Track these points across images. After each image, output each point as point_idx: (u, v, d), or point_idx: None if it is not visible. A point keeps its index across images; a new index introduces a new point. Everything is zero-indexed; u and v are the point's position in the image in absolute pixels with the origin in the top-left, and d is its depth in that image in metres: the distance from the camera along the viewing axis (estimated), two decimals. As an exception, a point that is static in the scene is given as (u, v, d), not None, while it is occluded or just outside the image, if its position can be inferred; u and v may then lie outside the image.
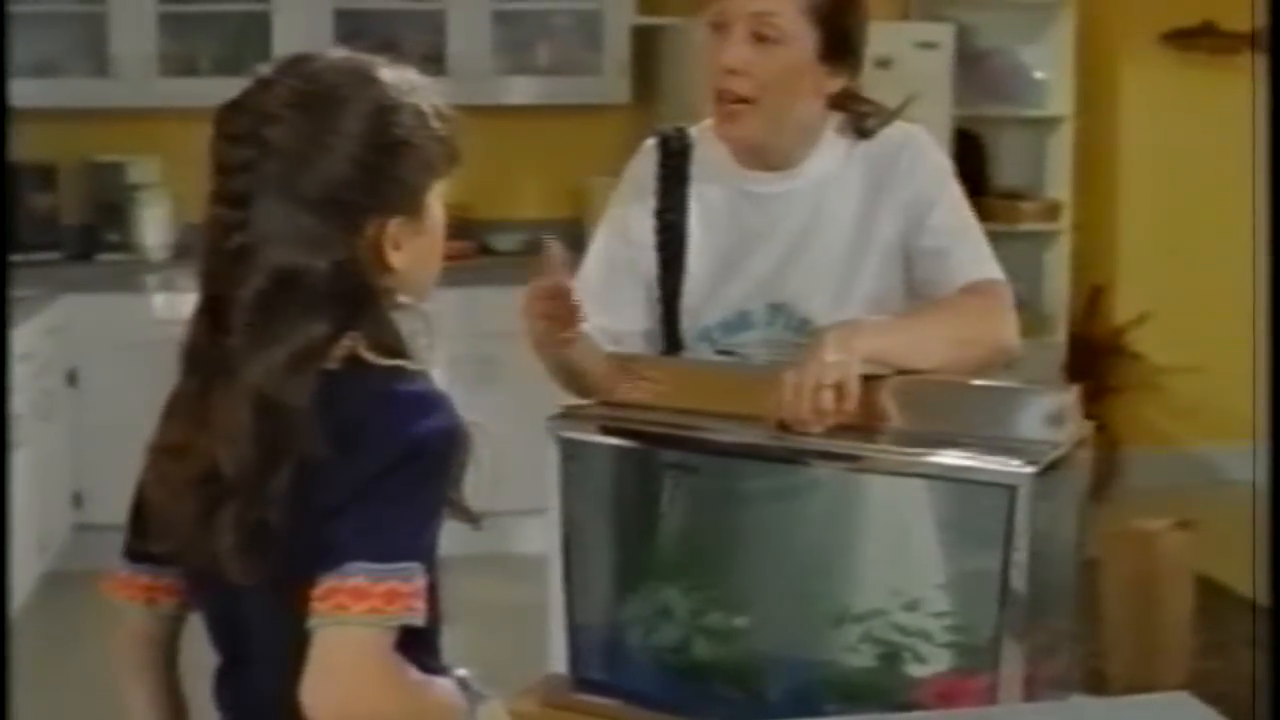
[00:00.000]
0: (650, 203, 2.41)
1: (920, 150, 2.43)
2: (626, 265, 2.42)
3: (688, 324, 2.38)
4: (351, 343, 1.65)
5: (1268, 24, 4.46)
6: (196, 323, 1.69)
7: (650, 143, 2.47)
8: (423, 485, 1.63)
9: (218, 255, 1.65)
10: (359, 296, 1.67)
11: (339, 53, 1.72)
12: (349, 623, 1.57)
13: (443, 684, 1.73)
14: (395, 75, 1.71)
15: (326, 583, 1.58)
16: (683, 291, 2.38)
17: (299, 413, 1.60)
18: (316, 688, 1.58)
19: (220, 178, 1.66)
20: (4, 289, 3.91)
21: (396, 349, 1.68)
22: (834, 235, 2.35)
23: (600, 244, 2.48)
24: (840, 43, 2.30)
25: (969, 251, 2.37)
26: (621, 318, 2.41)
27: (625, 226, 2.44)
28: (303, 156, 1.64)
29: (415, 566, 1.60)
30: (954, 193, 2.43)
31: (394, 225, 1.69)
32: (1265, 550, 3.05)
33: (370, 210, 1.67)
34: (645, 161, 2.45)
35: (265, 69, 1.69)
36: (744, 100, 2.28)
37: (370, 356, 1.65)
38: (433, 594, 1.69)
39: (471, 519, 1.73)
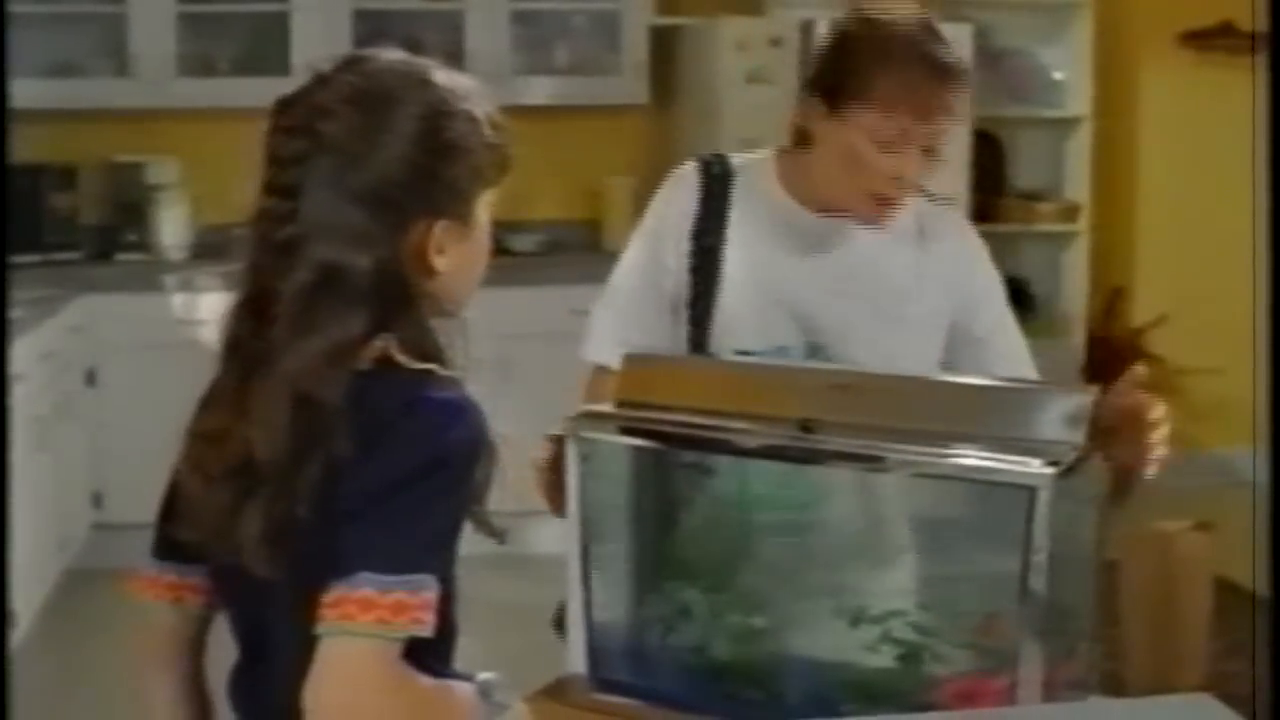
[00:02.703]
0: (686, 225, 2.43)
1: (967, 233, 2.51)
2: (654, 286, 2.44)
3: (721, 349, 2.38)
4: (384, 344, 1.66)
5: (1269, 27, 4.44)
6: (239, 314, 1.70)
7: (689, 167, 2.49)
8: (441, 497, 1.62)
9: (266, 246, 1.66)
10: (398, 296, 1.67)
11: (396, 54, 1.74)
12: (354, 632, 1.57)
13: (457, 690, 1.72)
14: (451, 80, 1.73)
15: (336, 590, 1.58)
16: (714, 316, 2.40)
17: (332, 408, 1.61)
18: (317, 694, 1.58)
19: (273, 169, 1.67)
20: (4, 291, 3.91)
21: (430, 353, 1.68)
22: (879, 287, 2.39)
23: (630, 262, 2.50)
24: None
25: (1018, 348, 2.50)
26: (645, 335, 2.41)
27: (657, 247, 2.46)
28: (355, 153, 1.65)
29: (425, 579, 1.60)
30: (998, 280, 2.52)
31: (439, 228, 1.69)
32: (1265, 548, 3.04)
33: (417, 211, 1.68)
34: (683, 184, 2.47)
35: (324, 65, 1.71)
36: (901, 197, 2.35)
37: (402, 359, 1.66)
38: (448, 603, 1.69)
39: (495, 534, 1.73)
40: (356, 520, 1.60)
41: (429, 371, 1.66)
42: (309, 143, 1.65)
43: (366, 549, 1.59)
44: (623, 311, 2.46)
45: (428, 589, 1.60)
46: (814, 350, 2.36)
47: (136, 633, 1.88)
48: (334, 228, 1.64)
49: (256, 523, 1.62)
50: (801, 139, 2.41)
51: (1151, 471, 2.10)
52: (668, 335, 2.42)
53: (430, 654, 1.68)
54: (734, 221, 2.42)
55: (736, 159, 2.49)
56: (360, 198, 1.64)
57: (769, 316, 2.38)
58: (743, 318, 2.39)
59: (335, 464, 1.60)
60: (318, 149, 1.65)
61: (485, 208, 1.77)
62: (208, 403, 1.74)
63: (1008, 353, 2.46)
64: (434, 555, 1.63)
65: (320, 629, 1.58)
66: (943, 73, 2.27)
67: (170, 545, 1.80)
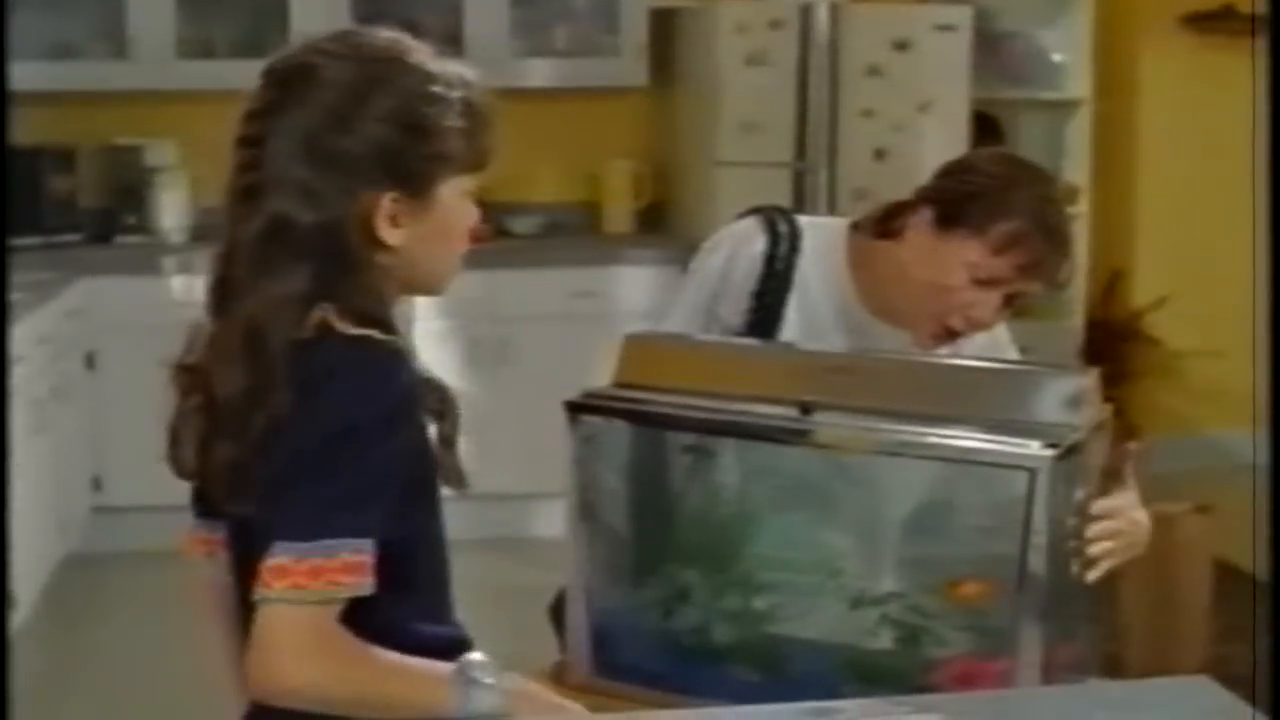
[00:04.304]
0: (749, 285, 2.46)
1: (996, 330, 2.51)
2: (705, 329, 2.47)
3: None
4: (322, 314, 1.69)
5: (1269, 9, 4.45)
6: (216, 258, 1.75)
7: (753, 225, 2.51)
8: (357, 459, 1.65)
9: (232, 193, 1.73)
10: (343, 260, 1.70)
11: (390, 33, 1.78)
12: (269, 600, 1.63)
13: (420, 665, 1.73)
14: (434, 64, 1.76)
15: (262, 561, 1.64)
16: None
17: (275, 361, 1.66)
18: (250, 662, 1.65)
19: (243, 120, 1.73)
20: (4, 277, 3.90)
21: (370, 320, 1.70)
22: None
23: (686, 305, 2.51)
24: None
25: None
26: None
27: (714, 303, 2.48)
28: (318, 115, 1.69)
29: (345, 542, 1.63)
30: None
31: (388, 200, 1.72)
32: (1265, 532, 3.04)
33: (368, 180, 1.71)
34: (749, 243, 2.49)
35: (318, 35, 1.76)
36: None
37: (340, 325, 1.69)
38: (416, 558, 1.74)
39: (457, 482, 1.77)
40: (277, 490, 1.65)
41: (365, 338, 1.69)
42: (278, 97, 1.71)
43: (281, 519, 1.64)
44: None
45: (349, 550, 1.63)
46: None
47: (189, 586, 1.93)
48: (286, 181, 1.69)
49: (221, 455, 1.69)
50: (887, 230, 2.43)
51: (1088, 575, 2.02)
52: None
53: (404, 613, 1.72)
54: (796, 287, 2.46)
55: (804, 220, 2.52)
56: (313, 156, 1.69)
57: None
58: None
59: (274, 427, 1.65)
60: (284, 105, 1.70)
61: (458, 193, 1.78)
62: (188, 339, 1.80)
63: None
64: (358, 516, 1.65)
65: (253, 599, 1.65)
66: (1059, 243, 2.33)
67: (202, 504, 1.85)
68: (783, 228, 2.49)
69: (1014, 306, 2.37)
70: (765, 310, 2.46)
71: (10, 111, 4.74)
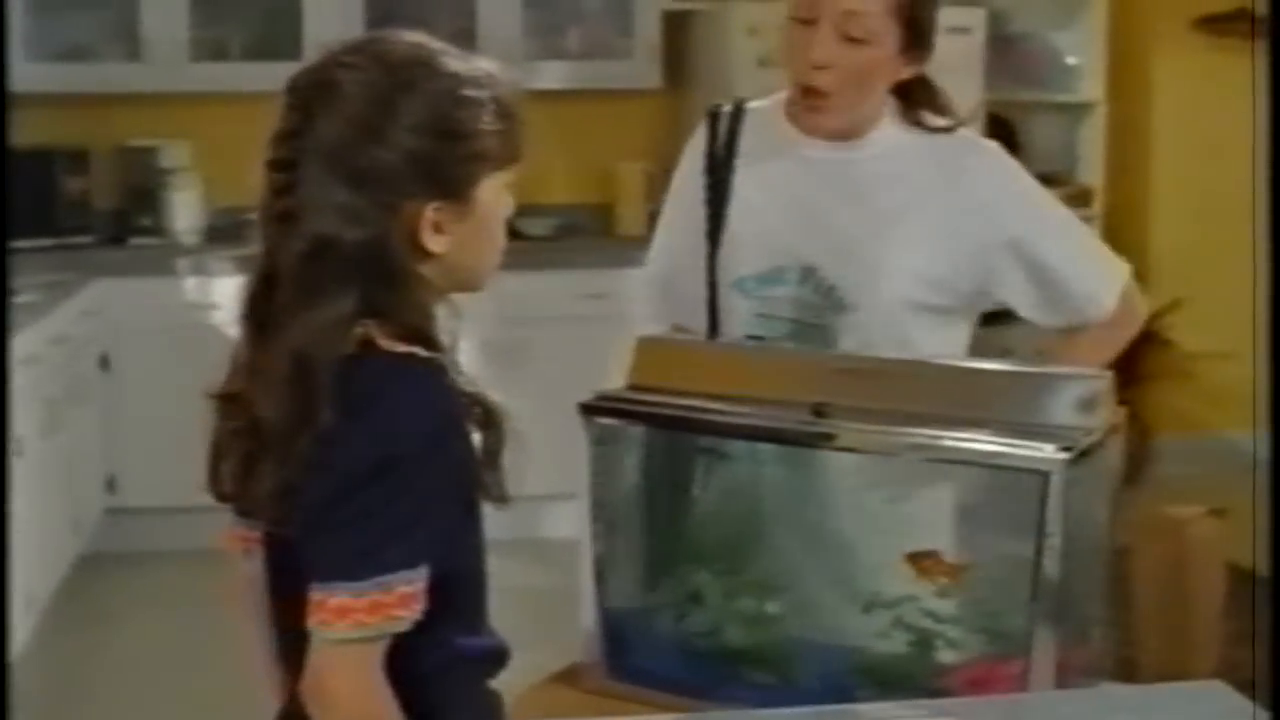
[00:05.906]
0: (700, 162, 2.50)
1: (994, 172, 2.48)
2: (683, 229, 2.51)
3: (725, 273, 2.44)
4: (364, 330, 1.66)
5: (1269, 9, 4.44)
6: (252, 282, 1.72)
7: (700, 125, 2.56)
8: (405, 486, 1.64)
9: (268, 217, 1.69)
10: (389, 275, 1.68)
11: (413, 37, 1.75)
12: (331, 638, 1.63)
13: None
14: (461, 65, 1.74)
15: (315, 594, 1.64)
16: (722, 239, 2.44)
17: (324, 382, 1.63)
18: (307, 691, 1.66)
19: (273, 143, 1.69)
20: (5, 279, 3.91)
21: (415, 336, 1.68)
22: (874, 213, 2.40)
23: (662, 228, 2.59)
24: (919, 36, 2.39)
25: (1090, 272, 2.52)
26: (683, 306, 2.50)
27: (679, 190, 2.55)
28: (349, 132, 1.65)
29: (399, 575, 1.63)
30: (1051, 210, 2.54)
31: (432, 209, 1.69)
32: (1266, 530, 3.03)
33: (409, 193, 1.68)
34: (696, 135, 2.55)
35: (337, 44, 1.72)
36: (829, 94, 2.34)
37: (385, 343, 1.66)
38: (469, 570, 1.74)
39: (500, 498, 1.75)
40: (324, 520, 1.64)
41: (409, 355, 1.67)
42: (306, 117, 1.67)
43: (335, 555, 1.64)
44: (654, 284, 2.56)
45: (402, 584, 1.63)
46: (807, 273, 2.39)
47: (228, 580, 1.93)
48: (324, 203, 1.65)
49: (266, 481, 1.67)
50: None
51: None
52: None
53: (445, 626, 1.71)
54: (743, 152, 2.47)
55: (753, 102, 2.54)
56: (350, 175, 1.65)
57: (768, 240, 2.42)
58: (745, 242, 2.43)
59: (321, 443, 1.63)
60: (312, 124, 1.66)
61: (495, 190, 1.76)
62: (230, 366, 1.77)
63: (1087, 289, 2.49)
64: (410, 546, 1.65)
65: (308, 627, 1.65)
66: None
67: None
68: (725, 107, 2.53)
69: (863, 43, 2.32)
70: (718, 184, 2.47)
71: (9, 112, 4.73)
